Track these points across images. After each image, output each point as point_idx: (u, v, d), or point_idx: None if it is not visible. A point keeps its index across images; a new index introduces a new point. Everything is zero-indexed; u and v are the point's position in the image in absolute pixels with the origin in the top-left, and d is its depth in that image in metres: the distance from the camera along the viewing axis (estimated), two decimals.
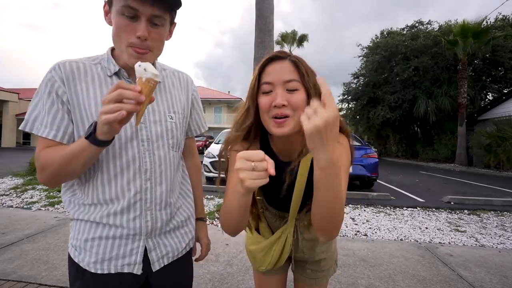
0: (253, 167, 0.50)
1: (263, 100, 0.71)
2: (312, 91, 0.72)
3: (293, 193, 0.82)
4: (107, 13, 0.72)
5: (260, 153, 0.51)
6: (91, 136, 0.59)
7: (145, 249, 0.76)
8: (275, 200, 0.94)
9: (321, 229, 0.64)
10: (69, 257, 0.77)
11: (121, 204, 0.72)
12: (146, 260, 0.77)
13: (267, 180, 0.52)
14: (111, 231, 0.73)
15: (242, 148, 0.77)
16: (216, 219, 3.66)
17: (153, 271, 0.78)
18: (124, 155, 0.72)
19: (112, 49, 0.77)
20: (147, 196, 0.75)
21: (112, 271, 0.73)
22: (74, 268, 0.75)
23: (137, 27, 0.66)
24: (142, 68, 0.57)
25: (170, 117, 0.82)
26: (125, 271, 0.74)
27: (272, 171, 0.51)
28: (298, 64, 0.72)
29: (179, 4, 0.73)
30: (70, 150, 0.63)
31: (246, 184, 0.51)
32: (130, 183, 0.73)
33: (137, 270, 0.75)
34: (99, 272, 0.73)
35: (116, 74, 0.74)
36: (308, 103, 0.71)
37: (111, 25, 0.70)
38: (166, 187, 0.80)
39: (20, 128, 0.70)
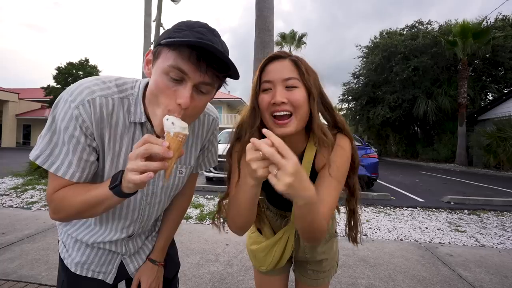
0: (262, 156, 0.50)
1: (263, 98, 0.72)
2: (313, 89, 0.72)
3: None
4: (148, 63, 0.62)
5: (266, 142, 0.52)
6: (117, 188, 0.56)
7: (121, 262, 0.82)
8: (276, 199, 0.94)
9: (304, 239, 0.75)
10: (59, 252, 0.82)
11: (109, 239, 0.76)
12: (124, 271, 0.82)
13: None
14: (95, 247, 0.79)
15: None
16: (216, 219, 3.64)
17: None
18: (125, 207, 0.73)
19: (145, 88, 0.66)
20: (135, 235, 0.81)
21: (89, 275, 0.78)
22: (62, 262, 0.80)
23: (179, 93, 0.56)
24: (170, 122, 0.53)
25: (180, 172, 0.78)
26: (100, 278, 0.79)
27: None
28: (298, 63, 0.72)
29: (235, 75, 0.61)
30: (91, 198, 0.59)
31: (258, 173, 0.51)
32: (124, 229, 0.77)
33: (110, 279, 0.80)
34: (77, 272, 0.77)
35: (141, 123, 0.67)
36: (308, 101, 0.72)
37: (148, 76, 0.62)
38: (151, 223, 0.84)
39: (32, 159, 0.61)
